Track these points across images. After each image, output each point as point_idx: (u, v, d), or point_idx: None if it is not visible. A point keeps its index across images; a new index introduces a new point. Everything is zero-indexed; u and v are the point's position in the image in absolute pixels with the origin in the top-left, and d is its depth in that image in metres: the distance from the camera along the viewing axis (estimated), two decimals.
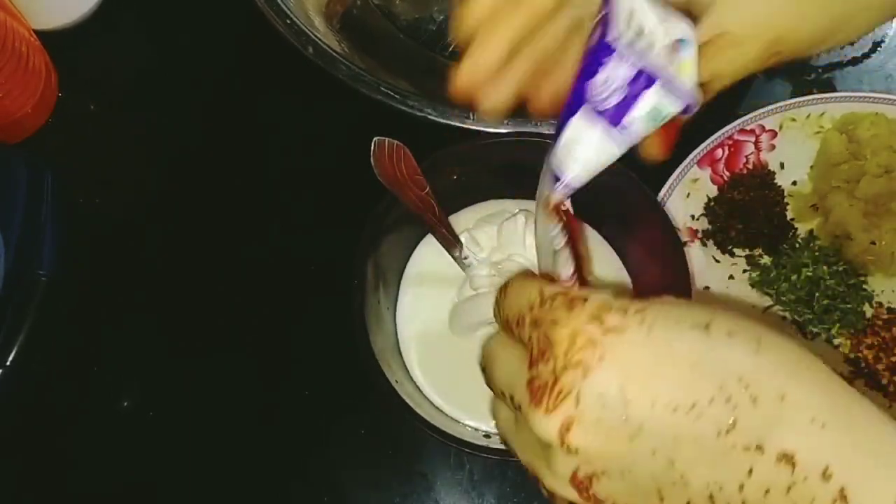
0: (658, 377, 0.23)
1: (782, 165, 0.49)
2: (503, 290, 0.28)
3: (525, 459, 0.26)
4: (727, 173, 0.49)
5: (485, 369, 0.29)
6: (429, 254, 0.46)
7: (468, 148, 0.44)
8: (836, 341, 0.47)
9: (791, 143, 0.49)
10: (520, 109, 0.36)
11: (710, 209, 0.48)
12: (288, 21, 0.48)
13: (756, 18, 0.32)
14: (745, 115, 0.49)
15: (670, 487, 0.23)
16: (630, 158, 0.31)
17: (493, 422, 0.29)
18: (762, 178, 0.49)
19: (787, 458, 0.22)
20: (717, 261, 0.48)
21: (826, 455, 0.22)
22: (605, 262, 0.45)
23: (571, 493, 0.24)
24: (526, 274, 0.30)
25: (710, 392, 0.22)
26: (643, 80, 0.29)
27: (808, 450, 0.22)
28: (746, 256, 0.48)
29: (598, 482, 0.24)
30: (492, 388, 0.28)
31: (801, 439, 0.22)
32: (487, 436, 0.43)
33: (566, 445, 0.23)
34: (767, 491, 0.22)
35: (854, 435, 0.23)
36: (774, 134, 0.49)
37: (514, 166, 0.42)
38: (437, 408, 0.43)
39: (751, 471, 0.22)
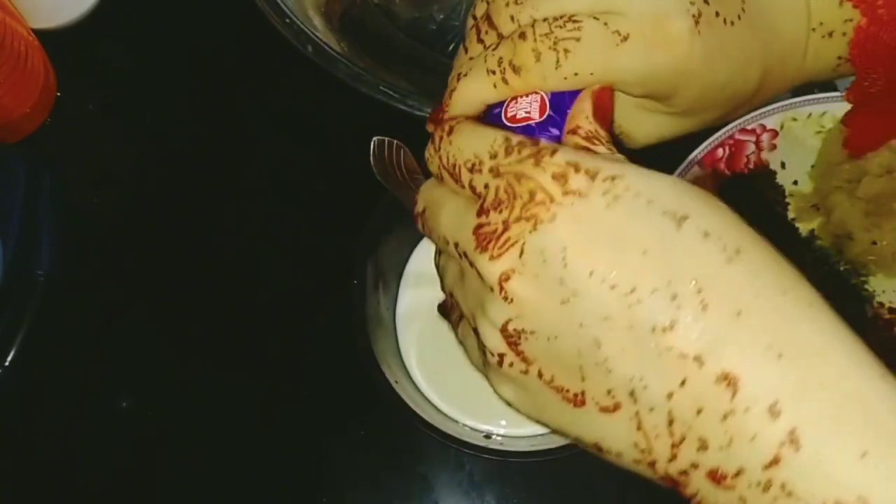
0: (602, 249, 0.21)
1: (783, 165, 0.49)
2: (444, 134, 0.26)
3: (466, 310, 0.25)
4: (728, 173, 0.49)
5: (425, 217, 0.27)
6: (429, 254, 0.46)
7: None
8: None
9: (792, 142, 0.49)
10: None
11: None
12: (287, 20, 0.48)
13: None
14: (745, 114, 0.48)
15: (593, 368, 0.22)
16: (631, 159, 0.31)
17: (441, 283, 0.28)
18: (763, 177, 0.49)
19: (730, 381, 0.20)
20: None
21: (777, 389, 0.19)
22: None
23: (501, 345, 0.23)
24: (475, 120, 0.27)
25: (655, 283, 0.21)
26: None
27: (756, 377, 0.20)
28: None
29: (526, 340, 0.23)
30: (432, 238, 0.27)
31: (749, 364, 0.20)
32: (487, 436, 0.43)
33: (504, 292, 0.22)
34: (700, 411, 0.20)
35: (819, 376, 0.20)
36: (775, 133, 0.49)
37: None
38: (436, 408, 0.43)
39: (684, 381, 0.20)
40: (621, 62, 0.26)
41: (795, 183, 0.49)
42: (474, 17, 0.29)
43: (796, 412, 0.19)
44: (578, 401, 0.22)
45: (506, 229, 0.23)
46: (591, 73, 0.26)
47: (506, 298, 0.23)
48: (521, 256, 0.22)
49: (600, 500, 0.47)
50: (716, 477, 0.20)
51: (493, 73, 0.27)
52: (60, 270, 0.50)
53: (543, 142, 0.24)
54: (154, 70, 0.56)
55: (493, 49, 0.28)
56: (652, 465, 0.22)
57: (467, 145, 0.25)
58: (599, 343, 0.21)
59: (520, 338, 0.23)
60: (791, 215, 0.49)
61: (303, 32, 0.48)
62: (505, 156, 0.24)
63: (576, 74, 0.26)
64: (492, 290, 0.23)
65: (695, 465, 0.21)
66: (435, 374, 0.44)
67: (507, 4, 0.28)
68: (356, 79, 0.47)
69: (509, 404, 0.26)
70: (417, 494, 0.46)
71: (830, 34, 0.31)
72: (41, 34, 0.52)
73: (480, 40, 0.29)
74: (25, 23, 0.51)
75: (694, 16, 0.26)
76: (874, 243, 0.47)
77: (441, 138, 0.26)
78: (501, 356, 0.24)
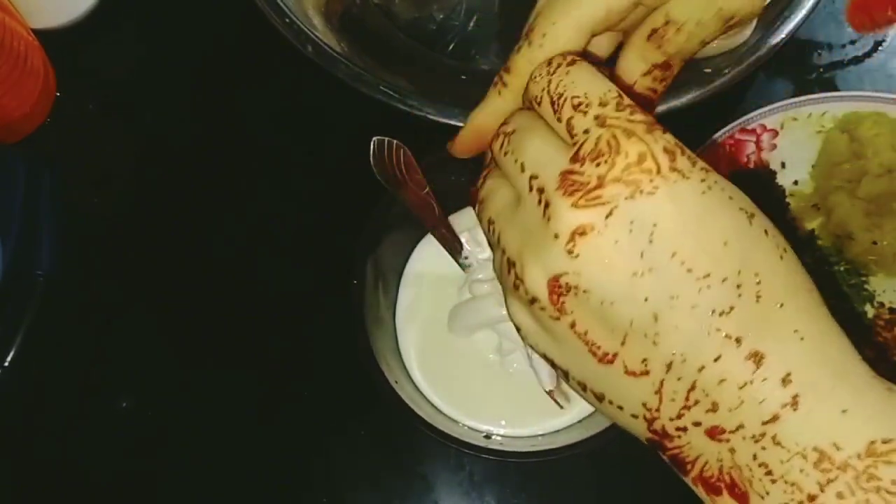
0: (692, 234, 0.22)
1: (783, 165, 0.49)
2: (563, 62, 0.26)
3: (510, 242, 0.25)
4: (728, 173, 0.49)
5: (511, 137, 0.26)
6: (429, 254, 0.46)
7: None
8: None
9: (792, 142, 0.49)
10: None
11: None
12: (287, 20, 0.48)
13: None
14: (745, 114, 0.48)
15: (639, 338, 0.23)
16: None
17: (480, 191, 0.28)
18: (763, 177, 0.49)
19: (757, 358, 0.22)
20: None
21: (793, 363, 0.22)
22: None
23: (542, 291, 0.23)
24: (591, 66, 0.26)
25: (728, 272, 0.22)
26: None
27: (779, 356, 0.22)
28: None
29: (574, 296, 0.23)
30: (506, 160, 0.26)
31: (776, 345, 0.22)
32: (487, 436, 0.43)
33: (573, 245, 0.22)
34: (723, 381, 0.22)
35: (826, 351, 0.23)
36: (776, 133, 0.49)
37: None
38: (436, 408, 0.43)
39: (718, 357, 0.22)
40: (567, 4, 0.27)
41: (795, 183, 0.49)
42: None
43: (803, 381, 0.22)
44: (607, 359, 0.23)
45: (599, 185, 0.22)
46: (553, 23, 0.27)
47: (571, 252, 0.22)
48: (607, 217, 0.22)
49: (600, 500, 0.47)
50: (714, 432, 0.23)
51: (495, 85, 0.29)
52: (60, 270, 0.50)
53: (652, 116, 0.24)
54: (154, 70, 0.56)
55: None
56: (651, 421, 0.24)
57: (582, 81, 0.25)
58: (657, 317, 0.22)
59: (568, 292, 0.23)
60: (791, 215, 0.49)
61: (303, 32, 0.48)
62: (616, 109, 0.24)
63: (544, 35, 0.27)
64: (557, 236, 0.23)
65: (697, 423, 0.23)
66: (435, 374, 0.44)
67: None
68: (356, 79, 0.47)
69: (518, 328, 0.26)
70: (417, 494, 0.46)
71: None
72: (41, 34, 0.52)
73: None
74: (25, 23, 0.51)
75: None
76: (874, 243, 0.47)
77: (559, 65, 0.26)
78: (535, 299, 0.24)
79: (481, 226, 0.28)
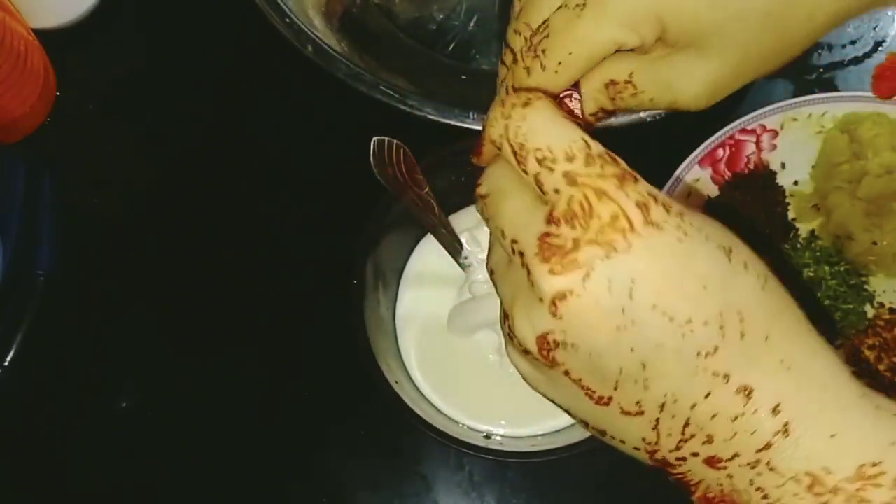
0: (670, 285, 0.22)
1: (783, 165, 0.49)
2: (517, 103, 0.25)
3: (504, 296, 0.26)
4: (728, 173, 0.49)
5: (486, 202, 0.26)
6: (429, 254, 0.46)
7: (468, 148, 0.44)
8: (837, 342, 0.47)
9: (792, 142, 0.49)
10: None
11: (711, 209, 0.48)
12: (287, 20, 0.48)
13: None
14: (746, 114, 0.48)
15: (630, 384, 0.23)
16: (631, 158, 0.31)
17: (486, 260, 0.28)
18: (763, 177, 0.49)
19: (746, 392, 0.23)
20: None
21: (781, 393, 0.23)
22: None
23: (531, 345, 0.24)
24: (554, 102, 0.26)
25: (709, 315, 0.23)
26: None
27: (768, 387, 0.23)
28: None
29: (563, 350, 0.23)
30: (489, 225, 0.26)
31: (764, 377, 0.23)
32: (487, 437, 0.43)
33: (555, 309, 0.23)
34: (715, 415, 0.23)
35: (811, 381, 0.24)
36: (776, 134, 0.49)
37: None
38: (436, 408, 0.43)
39: (708, 395, 0.23)
40: (586, 27, 0.27)
41: (796, 183, 0.49)
42: (505, 44, 0.30)
43: (792, 410, 0.23)
44: (603, 402, 0.24)
45: (575, 248, 0.22)
46: (570, 53, 0.27)
47: (554, 314, 0.23)
48: (584, 280, 0.22)
49: (600, 500, 0.47)
50: (712, 461, 0.24)
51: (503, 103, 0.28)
52: (60, 270, 0.50)
53: (622, 163, 0.24)
54: (154, 70, 0.56)
55: (503, 82, 0.29)
56: (652, 453, 0.25)
57: (543, 132, 0.24)
58: (645, 365, 0.23)
59: (557, 347, 0.23)
60: (791, 215, 0.49)
61: (303, 32, 0.48)
62: (585, 165, 0.23)
63: (559, 63, 0.27)
64: (541, 300, 0.23)
65: (695, 454, 0.24)
66: (435, 373, 0.44)
67: (510, 25, 0.29)
68: (356, 79, 0.47)
69: (518, 370, 0.26)
70: (417, 494, 0.46)
71: None
72: (41, 34, 0.52)
73: (502, 62, 0.30)
74: (25, 22, 0.51)
75: None
76: (874, 243, 0.47)
77: (514, 106, 0.25)
78: (527, 352, 0.24)
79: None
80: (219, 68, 0.55)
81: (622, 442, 0.25)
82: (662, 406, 0.24)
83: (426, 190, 0.41)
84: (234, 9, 0.52)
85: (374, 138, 0.39)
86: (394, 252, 0.46)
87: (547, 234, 0.23)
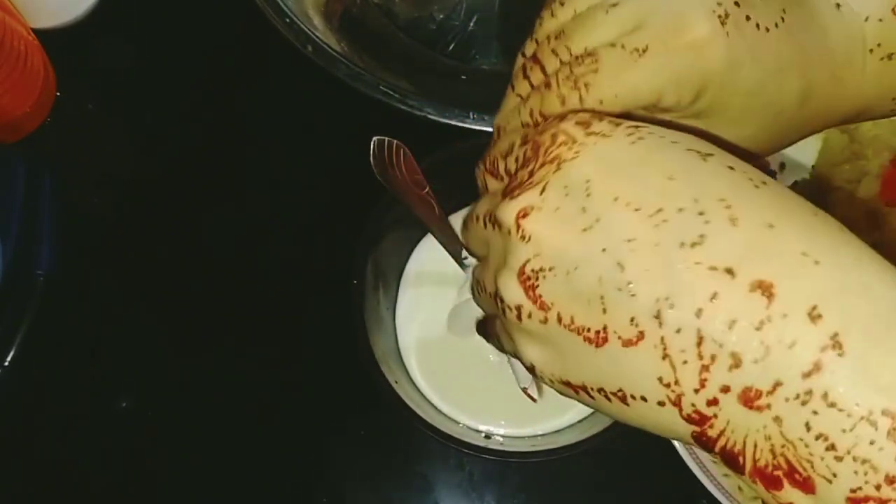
0: (628, 177, 0.21)
1: (783, 166, 0.49)
2: (490, 145, 0.27)
3: (489, 283, 0.25)
4: None
5: (465, 221, 0.28)
6: (429, 254, 0.46)
7: (468, 147, 0.44)
8: None
9: None
10: None
11: None
12: (287, 20, 0.48)
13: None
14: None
15: (615, 295, 0.21)
16: None
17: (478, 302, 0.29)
18: None
19: (765, 289, 0.19)
20: None
21: (816, 293, 0.19)
22: None
23: (519, 293, 0.23)
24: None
25: (682, 203, 0.21)
26: None
27: (793, 283, 0.19)
28: None
29: (544, 279, 0.22)
30: (467, 245, 0.28)
31: (784, 271, 0.19)
32: (487, 436, 0.43)
33: (521, 231, 0.22)
34: (733, 323, 0.19)
35: (857, 276, 0.19)
36: None
37: None
38: (436, 408, 0.43)
39: (715, 295, 0.19)
40: (641, 76, 0.26)
41: (795, 183, 0.49)
42: (523, 55, 0.30)
43: (838, 316, 0.19)
44: (601, 338, 0.21)
45: (531, 176, 0.23)
46: (616, 96, 0.26)
47: (523, 238, 0.22)
48: (541, 194, 0.22)
49: (600, 500, 0.47)
50: (749, 397, 0.19)
51: (527, 125, 0.28)
52: (60, 270, 0.50)
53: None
54: (154, 70, 0.56)
55: (526, 101, 0.28)
56: (678, 402, 0.20)
57: (505, 139, 0.26)
58: (623, 266, 0.21)
59: (537, 278, 0.22)
60: None
61: (303, 32, 0.48)
62: (534, 128, 0.25)
63: (601, 102, 0.26)
64: (509, 232, 0.23)
65: (725, 389, 0.19)
66: (435, 374, 0.44)
67: (549, 42, 0.28)
68: (356, 79, 0.47)
69: (533, 372, 0.25)
70: (417, 494, 0.46)
71: (890, 56, 0.29)
72: (41, 34, 0.52)
73: (526, 76, 0.29)
74: (25, 22, 0.51)
75: (720, 16, 0.25)
76: (875, 244, 0.47)
77: (489, 148, 0.27)
78: (519, 308, 0.23)
79: (491, 329, 0.29)
80: (218, 67, 0.55)
81: (644, 399, 0.21)
82: (658, 315, 0.20)
83: (426, 190, 0.41)
84: (234, 9, 0.52)
85: (374, 138, 0.39)
86: (394, 252, 0.46)
87: (507, 186, 0.24)
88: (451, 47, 0.55)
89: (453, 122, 0.46)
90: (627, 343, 0.21)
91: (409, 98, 0.46)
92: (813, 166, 0.49)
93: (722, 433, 0.20)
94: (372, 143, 0.39)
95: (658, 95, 0.26)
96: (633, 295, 0.20)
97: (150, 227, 0.52)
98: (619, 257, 0.21)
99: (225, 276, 0.50)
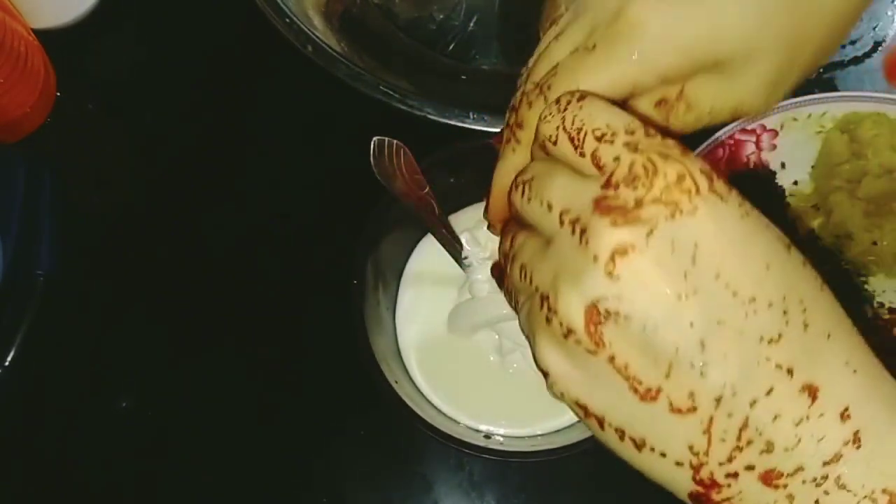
0: (734, 256, 0.21)
1: (783, 165, 0.49)
2: (573, 99, 0.24)
3: (543, 282, 0.23)
4: (728, 173, 0.49)
5: (531, 184, 0.25)
6: (429, 254, 0.46)
7: (468, 148, 0.44)
8: None
9: (792, 142, 0.49)
10: None
11: None
12: (287, 20, 0.48)
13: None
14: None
15: (685, 368, 0.21)
16: None
17: (506, 250, 0.27)
18: (763, 177, 0.49)
19: (811, 391, 0.21)
20: None
21: (849, 397, 0.21)
22: None
23: (579, 321, 0.21)
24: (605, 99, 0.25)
25: (773, 297, 0.21)
26: None
27: (834, 389, 0.21)
28: None
29: (612, 325, 0.21)
30: (530, 207, 0.24)
31: (830, 377, 0.21)
32: (487, 436, 0.43)
33: (613, 266, 0.21)
34: (777, 417, 0.21)
35: (879, 387, 0.22)
36: (775, 133, 0.49)
37: None
38: (436, 408, 0.43)
39: (771, 391, 0.21)
40: (597, 66, 0.26)
41: (795, 183, 0.49)
42: (507, 124, 0.30)
43: (862, 416, 0.21)
44: (650, 396, 0.21)
45: (638, 206, 0.21)
46: (578, 88, 0.26)
47: (610, 274, 0.21)
48: (647, 238, 0.21)
49: (600, 500, 0.47)
50: (770, 477, 0.21)
51: (509, 141, 0.29)
52: (60, 270, 0.50)
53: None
54: (154, 70, 0.56)
55: (507, 143, 0.29)
56: (698, 468, 0.22)
57: (600, 114, 0.24)
58: (704, 345, 0.21)
59: (607, 319, 0.21)
60: (791, 215, 0.49)
61: (303, 32, 0.48)
62: (645, 136, 0.23)
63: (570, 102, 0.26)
64: (596, 258, 0.21)
65: (750, 467, 0.21)
66: (435, 374, 0.44)
67: (519, 93, 0.29)
68: (356, 79, 0.47)
69: (546, 374, 0.23)
70: (417, 494, 0.46)
71: None
72: (41, 34, 0.52)
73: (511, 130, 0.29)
74: (25, 23, 0.51)
75: None
76: (874, 244, 0.47)
77: (569, 102, 0.24)
78: (570, 329, 0.22)
79: (511, 283, 0.26)
80: (218, 68, 0.55)
81: (663, 455, 0.22)
82: (719, 400, 0.21)
83: (426, 190, 0.41)
84: (234, 9, 0.52)
85: (374, 138, 0.39)
86: (394, 252, 0.46)
87: (604, 198, 0.22)
88: (451, 47, 0.55)
89: (453, 122, 0.46)
90: (676, 410, 0.21)
91: (409, 98, 0.46)
92: (813, 166, 0.49)
93: (727, 500, 0.22)
94: (372, 143, 0.39)
95: (630, 84, 0.27)
96: (703, 374, 0.21)
97: (150, 227, 0.52)
98: (705, 336, 0.21)
99: (225, 276, 0.50)
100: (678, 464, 0.22)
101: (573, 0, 0.29)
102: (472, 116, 0.45)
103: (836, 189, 0.48)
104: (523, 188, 0.25)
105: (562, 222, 0.23)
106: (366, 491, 0.46)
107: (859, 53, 0.53)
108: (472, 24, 0.55)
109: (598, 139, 0.23)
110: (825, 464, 0.21)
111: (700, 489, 0.22)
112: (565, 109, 0.24)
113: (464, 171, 0.43)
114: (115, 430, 0.48)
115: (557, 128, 0.24)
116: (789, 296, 0.22)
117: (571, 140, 0.24)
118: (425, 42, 0.55)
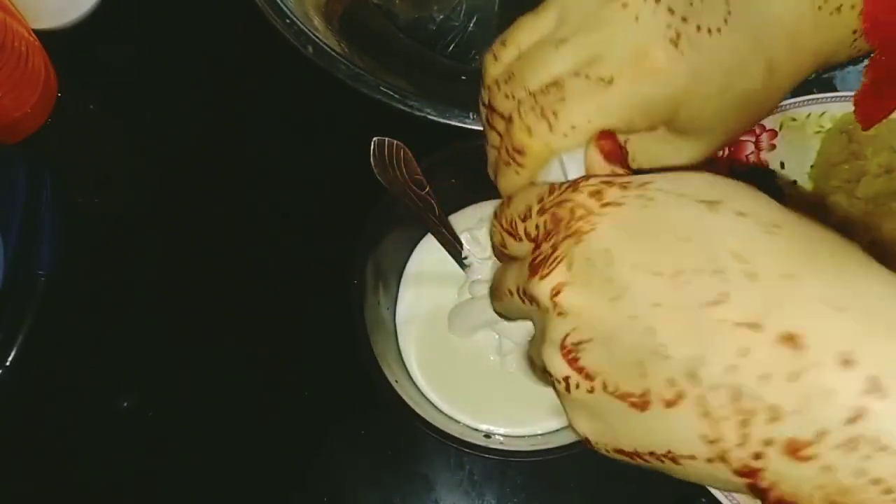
0: (645, 244, 0.22)
1: (783, 165, 0.49)
2: (505, 203, 0.28)
3: (539, 357, 0.25)
4: (727, 173, 0.49)
5: (493, 290, 0.29)
6: (429, 254, 0.46)
7: (468, 148, 0.44)
8: None
9: (791, 142, 0.49)
10: None
11: None
12: (287, 20, 0.48)
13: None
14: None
15: (651, 358, 0.21)
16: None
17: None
18: (762, 177, 0.49)
19: (793, 340, 0.19)
20: None
21: (846, 339, 0.19)
22: None
23: (564, 366, 0.23)
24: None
25: (698, 262, 0.21)
26: None
27: (820, 332, 0.19)
28: None
29: (585, 352, 0.23)
30: (504, 309, 0.29)
31: (811, 321, 0.19)
32: (487, 436, 0.43)
33: (557, 307, 0.23)
34: (764, 377, 0.19)
35: (882, 320, 0.19)
36: (775, 133, 0.49)
37: None
38: (436, 408, 0.43)
39: (744, 351, 0.20)
40: (613, 104, 0.27)
41: (794, 183, 0.49)
42: (483, 104, 0.30)
43: (872, 360, 0.19)
44: (644, 402, 0.22)
45: (554, 250, 0.24)
46: (589, 122, 0.27)
47: (560, 313, 0.23)
48: (569, 269, 0.23)
49: (600, 500, 0.47)
50: (794, 448, 0.19)
51: (509, 164, 0.29)
52: (60, 270, 0.50)
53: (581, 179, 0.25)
54: (154, 70, 0.56)
55: (500, 149, 0.30)
56: (724, 457, 0.21)
57: (520, 202, 0.27)
58: (654, 330, 0.21)
59: (579, 351, 0.23)
60: None
61: (303, 33, 0.48)
62: (549, 195, 0.25)
63: (573, 127, 0.27)
64: (547, 310, 0.24)
65: (769, 442, 0.20)
66: (435, 374, 0.44)
67: (499, 86, 0.29)
68: (356, 79, 0.47)
69: (588, 443, 0.25)
70: (417, 494, 0.46)
71: (839, 9, 0.30)
72: (42, 35, 0.52)
73: (492, 127, 0.30)
74: (26, 23, 0.52)
75: (672, 39, 0.27)
76: (874, 243, 0.47)
77: (503, 206, 0.28)
78: (566, 379, 0.24)
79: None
80: (218, 68, 0.55)
81: (691, 457, 0.21)
82: (693, 375, 0.20)
83: (426, 190, 0.41)
84: (234, 9, 0.52)
85: (374, 138, 0.39)
86: (394, 252, 0.46)
87: (533, 259, 0.25)
88: (451, 48, 0.55)
89: (453, 123, 0.46)
90: (669, 404, 0.21)
91: (409, 98, 0.46)
92: (812, 166, 0.49)
93: (774, 485, 0.20)
94: (372, 143, 0.39)
95: (629, 120, 0.27)
96: (666, 357, 0.21)
97: (150, 227, 0.52)
98: (649, 322, 0.22)
99: (225, 275, 0.51)
100: (709, 461, 0.21)
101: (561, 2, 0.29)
102: (472, 116, 0.45)
103: (835, 189, 0.48)
104: (493, 298, 0.30)
105: (522, 301, 0.26)
106: (366, 491, 0.46)
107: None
108: (472, 25, 0.55)
109: (523, 220, 0.26)
110: (849, 421, 0.18)
111: (749, 480, 0.21)
112: (500, 217, 0.28)
113: (464, 171, 0.43)
114: (115, 430, 0.48)
115: (500, 233, 0.28)
116: (718, 255, 0.21)
117: (512, 235, 0.27)
118: (425, 42, 0.55)
